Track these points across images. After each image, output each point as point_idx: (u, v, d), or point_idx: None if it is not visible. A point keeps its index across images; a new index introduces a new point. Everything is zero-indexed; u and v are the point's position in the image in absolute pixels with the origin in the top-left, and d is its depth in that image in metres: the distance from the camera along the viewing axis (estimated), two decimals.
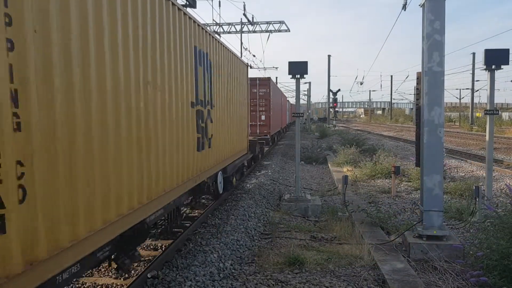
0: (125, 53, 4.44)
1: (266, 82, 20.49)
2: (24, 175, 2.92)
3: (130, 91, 4.57)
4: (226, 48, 9.56)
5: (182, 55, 6.35)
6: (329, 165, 18.08)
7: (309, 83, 60.61)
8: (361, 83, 67.47)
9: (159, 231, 7.55)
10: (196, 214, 9.27)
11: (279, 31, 32.34)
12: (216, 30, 31.08)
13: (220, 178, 9.53)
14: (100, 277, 5.91)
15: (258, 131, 19.03)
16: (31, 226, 3.00)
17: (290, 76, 10.03)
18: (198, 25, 7.28)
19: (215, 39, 8.53)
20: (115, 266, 5.26)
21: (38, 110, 3.06)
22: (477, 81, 53.73)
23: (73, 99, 3.52)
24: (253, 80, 19.81)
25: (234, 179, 11.40)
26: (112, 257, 4.91)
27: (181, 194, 6.46)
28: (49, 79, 3.20)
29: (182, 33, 6.37)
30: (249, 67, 13.15)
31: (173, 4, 5.97)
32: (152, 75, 5.19)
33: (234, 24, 31.99)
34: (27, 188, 2.94)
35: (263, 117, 20.16)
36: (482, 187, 9.47)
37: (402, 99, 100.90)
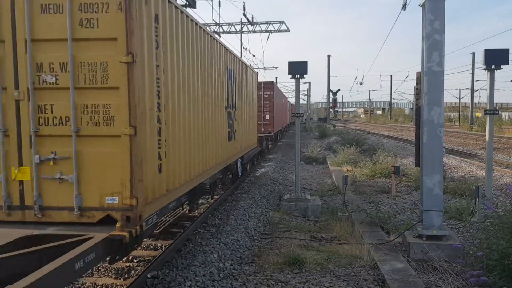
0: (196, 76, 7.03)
1: (270, 85, 22.43)
2: (166, 146, 5.48)
3: (199, 99, 7.17)
4: (243, 62, 12.14)
5: (221, 74, 8.99)
6: (329, 165, 18.08)
7: (309, 83, 60.62)
8: (361, 83, 67.49)
9: (159, 230, 7.56)
10: (196, 214, 9.27)
11: (279, 31, 32.35)
12: (216, 30, 31.09)
13: (239, 164, 11.74)
14: (100, 277, 5.92)
15: (263, 129, 20.43)
16: (170, 170, 5.64)
17: (290, 76, 10.03)
18: (230, 52, 10.11)
19: (237, 58, 11.11)
20: (188, 208, 8.78)
21: (176, 115, 5.93)
22: (476, 81, 53.76)
23: (195, 109, 6.90)
24: (258, 83, 21.11)
25: (248, 166, 14.38)
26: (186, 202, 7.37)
27: (218, 170, 9.06)
28: (176, 94, 5.91)
29: (222, 60, 9.12)
30: (258, 75, 15.52)
31: (220, 43, 8.98)
32: (207, 88, 7.69)
33: (234, 24, 31.99)
34: (167, 152, 5.53)
35: (267, 117, 21.75)
36: (482, 187, 9.48)
37: (402, 99, 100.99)
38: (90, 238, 4.04)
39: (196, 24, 6.97)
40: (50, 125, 4.58)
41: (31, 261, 3.77)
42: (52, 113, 4.58)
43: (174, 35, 5.80)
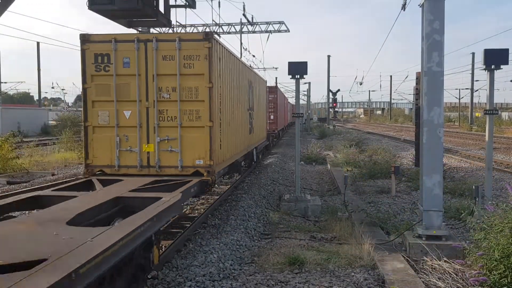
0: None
1: (274, 89, 26.30)
2: (221, 134, 8.56)
3: (235, 104, 10.41)
4: (256, 74, 15.50)
5: (245, 85, 12.20)
6: (329, 165, 18.08)
7: (309, 83, 60.63)
8: (361, 83, 67.56)
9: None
10: (196, 214, 9.28)
11: (279, 31, 32.35)
12: (215, 31, 31.08)
13: (255, 152, 15.32)
14: None
15: (268, 127, 22.34)
16: (223, 149, 8.83)
17: (290, 76, 10.03)
18: (250, 68, 14.12)
19: (253, 72, 14.76)
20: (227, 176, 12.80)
21: (226, 115, 9.24)
22: (476, 81, 53.80)
23: (234, 111, 10.15)
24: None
25: (260, 156, 18.46)
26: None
27: (244, 154, 12.41)
28: (226, 103, 9.17)
29: (245, 75, 12.24)
30: (266, 82, 19.60)
31: (245, 64, 12.60)
32: (239, 97, 10.96)
33: (233, 24, 32.00)
34: (222, 138, 8.61)
35: (272, 117, 24.71)
36: (482, 186, 9.47)
37: (402, 99, 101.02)
38: (190, 181, 7.17)
39: (235, 56, 10.55)
40: (166, 121, 7.97)
41: (161, 189, 6.56)
42: (167, 114, 7.96)
43: (226, 67, 9.21)
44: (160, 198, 5.58)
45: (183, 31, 28.73)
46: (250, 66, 14.83)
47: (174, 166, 7.92)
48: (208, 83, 7.79)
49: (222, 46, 8.80)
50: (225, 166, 9.33)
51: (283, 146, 28.74)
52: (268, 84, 20.82)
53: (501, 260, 5.25)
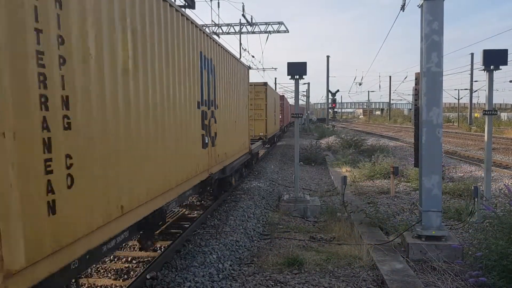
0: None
1: (282, 97, 34.19)
2: (267, 122, 22.30)
3: (273, 109, 25.27)
4: (272, 89, 24.07)
5: (276, 101, 27.45)
6: (328, 165, 18.09)
7: (308, 83, 60.67)
8: (360, 84, 67.71)
9: (158, 231, 7.55)
10: (196, 215, 9.27)
11: (278, 32, 32.36)
12: (215, 31, 31.08)
13: (277, 134, 28.99)
14: (99, 278, 5.92)
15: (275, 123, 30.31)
16: (269, 128, 22.70)
17: (289, 77, 10.03)
18: (273, 90, 30.85)
19: (276, 93, 31.05)
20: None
21: (267, 114, 22.29)
22: (475, 81, 53.85)
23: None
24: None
25: (275, 139, 28.73)
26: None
27: (276, 132, 27.58)
28: (268, 110, 22.75)
29: (275, 95, 27.46)
30: (281, 97, 32.44)
31: (273, 90, 29.57)
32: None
33: (233, 25, 32.00)
34: (267, 125, 22.38)
35: (280, 116, 31.02)
36: (481, 187, 9.49)
37: (401, 100, 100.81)
38: (258, 140, 18.53)
39: (273, 89, 25.55)
40: (257, 119, 20.96)
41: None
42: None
43: (270, 95, 22.30)
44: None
45: None
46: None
47: (259, 134, 20.63)
48: (265, 102, 21.35)
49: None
50: (270, 137, 22.35)
51: (287, 137, 38.11)
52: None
53: (500, 260, 5.26)
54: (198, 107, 7.41)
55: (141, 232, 5.54)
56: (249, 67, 13.60)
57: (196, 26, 7.33)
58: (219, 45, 9.20)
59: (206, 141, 7.93)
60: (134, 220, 4.66)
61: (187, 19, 6.81)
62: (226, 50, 9.91)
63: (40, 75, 3.12)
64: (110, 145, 4.14)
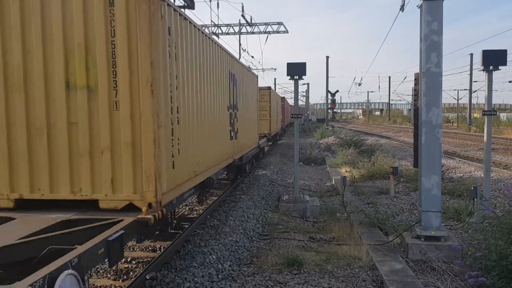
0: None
1: (282, 99, 36.49)
2: (271, 122, 24.59)
3: (276, 111, 28.46)
4: (275, 92, 28.96)
5: (278, 105, 30.71)
6: (328, 166, 18.09)
7: (308, 84, 60.71)
8: (359, 84, 67.76)
9: (156, 232, 7.55)
10: (195, 215, 9.27)
11: (278, 32, 32.38)
12: (214, 32, 31.09)
13: (279, 132, 31.95)
14: (99, 278, 5.91)
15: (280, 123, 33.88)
16: (272, 128, 25.23)
17: (289, 77, 10.04)
18: (282, 96, 35.98)
19: (278, 94, 33.53)
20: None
21: (271, 115, 24.77)
22: (475, 81, 53.90)
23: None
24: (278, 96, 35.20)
25: (277, 137, 31.88)
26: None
27: (278, 130, 31.31)
28: (271, 112, 25.03)
29: (278, 99, 31.73)
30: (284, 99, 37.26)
31: (279, 95, 34.06)
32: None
33: (232, 25, 32.02)
34: (271, 124, 24.87)
35: (281, 116, 33.38)
36: (480, 187, 9.49)
37: (400, 100, 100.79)
38: (264, 137, 21.01)
39: (277, 94, 30.37)
40: (262, 119, 21.64)
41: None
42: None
43: (273, 98, 25.63)
44: None
45: None
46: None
47: (264, 132, 22.42)
48: (269, 104, 23.65)
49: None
50: (274, 134, 26.54)
51: (287, 136, 41.24)
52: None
53: (500, 261, 5.26)
54: (227, 110, 9.71)
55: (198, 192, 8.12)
56: (257, 76, 15.48)
57: (227, 52, 9.70)
58: (238, 62, 11.52)
59: (232, 135, 10.21)
60: (198, 182, 7.10)
61: (223, 49, 9.26)
62: (242, 65, 12.26)
63: (171, 96, 5.60)
64: (192, 136, 6.65)
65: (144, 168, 4.95)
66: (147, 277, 5.65)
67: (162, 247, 7.07)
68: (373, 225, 8.10)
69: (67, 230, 4.19)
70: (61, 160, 5.11)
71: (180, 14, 6.05)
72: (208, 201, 10.64)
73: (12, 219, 4.66)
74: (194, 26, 6.86)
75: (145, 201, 4.92)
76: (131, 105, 4.97)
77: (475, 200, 7.69)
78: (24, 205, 5.20)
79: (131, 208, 4.96)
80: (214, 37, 11.03)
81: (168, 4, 5.44)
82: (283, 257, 6.63)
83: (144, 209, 4.80)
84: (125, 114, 4.98)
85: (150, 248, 7.13)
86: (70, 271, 3.21)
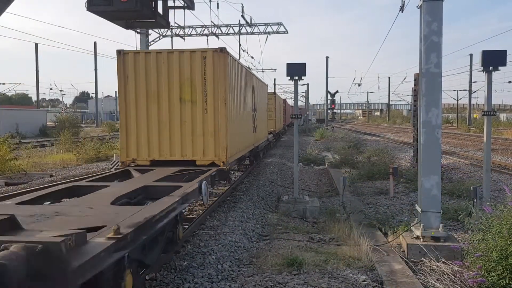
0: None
1: (284, 101, 40.26)
2: (275, 121, 28.27)
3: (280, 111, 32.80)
4: (279, 96, 33.12)
5: (281, 106, 34.87)
6: (327, 166, 18.09)
7: (307, 84, 60.71)
8: (359, 85, 67.74)
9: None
10: (195, 215, 9.27)
11: (277, 32, 32.35)
12: (214, 32, 31.08)
13: (282, 130, 37.20)
14: None
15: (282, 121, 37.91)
16: (277, 126, 29.77)
17: (288, 77, 10.04)
18: (281, 98, 38.06)
19: (280, 97, 35.97)
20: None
21: (276, 115, 29.08)
22: (474, 82, 53.95)
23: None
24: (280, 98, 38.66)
25: (281, 134, 37.10)
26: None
27: (282, 128, 35.94)
28: (276, 112, 28.84)
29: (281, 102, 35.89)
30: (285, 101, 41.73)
31: (280, 97, 36.08)
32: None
33: (232, 25, 31.99)
34: (276, 123, 28.55)
35: (283, 117, 36.09)
36: (480, 188, 9.49)
37: (400, 101, 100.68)
38: (270, 134, 22.98)
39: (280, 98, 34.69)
40: (269, 118, 22.59)
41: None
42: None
43: (277, 101, 29.55)
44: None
45: (181, 32, 28.79)
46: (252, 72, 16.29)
47: (270, 129, 23.64)
48: (274, 107, 27.40)
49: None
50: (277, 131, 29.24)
51: (288, 135, 42.97)
52: (275, 93, 31.00)
53: (499, 261, 5.26)
54: (251, 111, 13.64)
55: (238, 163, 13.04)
56: (267, 85, 20.41)
57: (251, 73, 14.15)
58: (256, 77, 15.82)
59: (253, 130, 14.16)
60: (238, 157, 11.06)
61: (249, 71, 13.80)
62: (259, 79, 16.65)
63: (229, 105, 9.50)
64: (236, 129, 10.35)
65: (220, 144, 9.13)
66: (147, 277, 5.65)
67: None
68: (372, 225, 8.11)
69: (184, 172, 8.18)
70: (176, 139, 9.22)
71: (233, 58, 10.04)
72: (239, 173, 15.49)
73: (152, 169, 8.43)
74: (239, 63, 11.07)
75: (221, 160, 9.13)
76: (214, 111, 9.11)
77: (475, 200, 7.69)
78: (155, 163, 9.18)
79: (212, 165, 9.10)
80: (236, 57, 14.30)
81: (229, 55, 9.49)
82: (282, 257, 6.63)
83: (221, 164, 9.08)
84: (211, 115, 9.14)
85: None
86: (205, 181, 6.92)
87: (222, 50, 9.05)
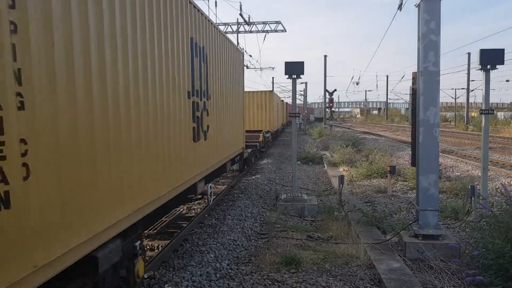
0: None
1: (282, 103, 40.43)
2: (277, 119, 31.80)
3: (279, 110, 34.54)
4: (278, 97, 32.14)
5: (282, 108, 37.32)
6: (325, 165, 18.11)
7: (305, 83, 60.71)
8: (357, 83, 67.69)
9: (155, 231, 7.55)
10: (193, 214, 9.27)
11: (276, 31, 32.37)
12: None
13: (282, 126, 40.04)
14: None
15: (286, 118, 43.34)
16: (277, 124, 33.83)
17: (287, 76, 10.04)
18: (282, 100, 39.89)
19: (280, 98, 35.74)
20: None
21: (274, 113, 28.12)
22: (472, 80, 53.97)
23: None
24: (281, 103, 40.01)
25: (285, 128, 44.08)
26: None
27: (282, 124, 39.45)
28: (275, 111, 29.93)
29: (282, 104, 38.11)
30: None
31: (280, 100, 37.15)
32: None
33: (230, 24, 31.97)
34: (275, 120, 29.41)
35: (284, 115, 40.17)
36: (478, 186, 9.51)
37: (398, 99, 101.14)
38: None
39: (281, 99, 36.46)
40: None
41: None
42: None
43: (277, 102, 29.31)
44: None
45: None
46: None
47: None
48: (271, 104, 23.60)
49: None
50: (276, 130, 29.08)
51: (287, 132, 43.19)
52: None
53: (497, 259, 5.28)
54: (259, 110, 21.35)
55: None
56: (281, 98, 26.07)
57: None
58: (281, 99, 24.91)
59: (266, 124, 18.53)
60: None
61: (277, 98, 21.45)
62: (277, 96, 25.22)
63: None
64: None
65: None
66: (145, 276, 5.65)
67: (160, 246, 7.07)
68: (370, 224, 8.11)
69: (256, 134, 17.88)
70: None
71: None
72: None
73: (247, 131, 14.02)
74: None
75: (243, 147, 11.86)
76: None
77: (473, 198, 7.71)
78: (248, 131, 14.56)
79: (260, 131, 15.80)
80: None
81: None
82: (281, 256, 6.64)
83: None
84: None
85: (148, 247, 7.13)
86: (247, 152, 13.35)
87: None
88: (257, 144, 17.26)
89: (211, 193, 9.64)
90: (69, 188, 3.19)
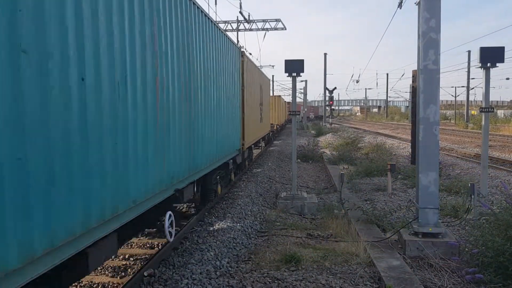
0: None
1: (285, 103, 45.26)
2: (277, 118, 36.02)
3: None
4: (282, 98, 40.67)
5: (283, 107, 41.53)
6: (325, 163, 18.11)
7: (305, 81, 60.71)
8: (357, 81, 67.61)
9: (154, 229, 7.56)
10: (193, 212, 9.27)
11: (276, 29, 32.34)
12: None
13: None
14: (97, 275, 5.91)
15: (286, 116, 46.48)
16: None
17: (287, 74, 10.04)
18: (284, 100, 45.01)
19: (282, 98, 42.13)
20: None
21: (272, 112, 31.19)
22: (472, 79, 53.94)
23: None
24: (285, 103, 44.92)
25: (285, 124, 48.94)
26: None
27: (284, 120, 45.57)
28: (277, 110, 34.38)
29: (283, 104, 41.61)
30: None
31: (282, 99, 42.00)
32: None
33: (230, 22, 31.94)
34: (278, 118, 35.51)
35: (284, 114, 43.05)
36: (478, 184, 9.52)
37: (398, 97, 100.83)
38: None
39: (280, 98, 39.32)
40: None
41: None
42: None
43: (281, 102, 36.80)
44: None
45: None
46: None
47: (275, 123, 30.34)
48: (271, 103, 27.04)
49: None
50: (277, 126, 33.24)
51: (288, 129, 43.17)
52: (280, 97, 35.78)
53: (497, 257, 5.29)
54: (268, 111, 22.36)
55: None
56: (285, 100, 29.65)
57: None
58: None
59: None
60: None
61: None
62: (284, 99, 35.23)
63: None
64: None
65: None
66: (145, 274, 5.66)
67: (160, 244, 7.08)
68: (370, 222, 8.12)
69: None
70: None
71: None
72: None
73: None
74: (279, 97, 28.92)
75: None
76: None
77: (472, 197, 7.71)
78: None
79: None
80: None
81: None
82: (281, 253, 6.64)
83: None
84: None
85: (148, 245, 7.14)
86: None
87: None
88: (274, 130, 28.78)
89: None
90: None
